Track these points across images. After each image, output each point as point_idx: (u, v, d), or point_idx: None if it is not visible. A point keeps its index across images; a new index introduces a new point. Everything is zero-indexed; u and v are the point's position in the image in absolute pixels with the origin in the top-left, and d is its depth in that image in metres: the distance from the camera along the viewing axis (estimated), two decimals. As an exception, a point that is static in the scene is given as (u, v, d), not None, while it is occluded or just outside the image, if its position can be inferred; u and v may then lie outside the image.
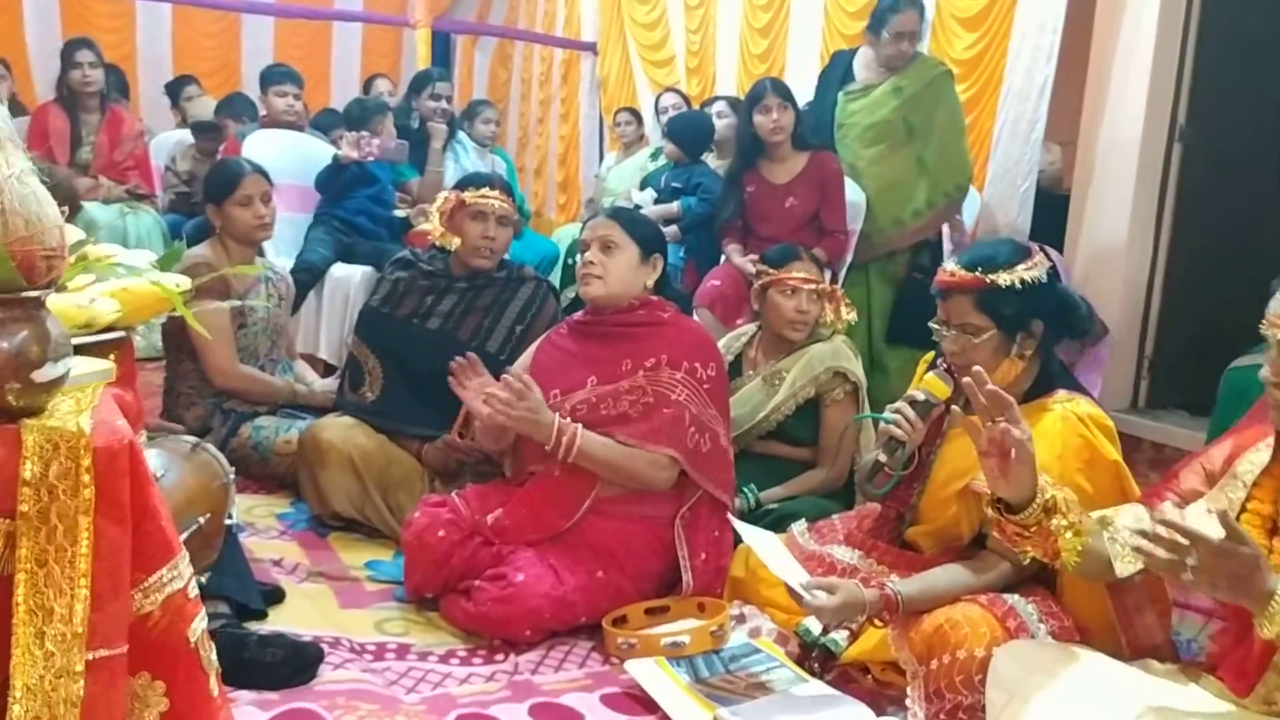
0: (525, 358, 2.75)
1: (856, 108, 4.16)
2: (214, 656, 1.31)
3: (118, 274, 1.24)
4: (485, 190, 3.08)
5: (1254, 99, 4.21)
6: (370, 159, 4.44)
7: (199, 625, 1.28)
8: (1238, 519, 1.68)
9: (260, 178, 3.36)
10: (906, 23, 4.00)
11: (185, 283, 1.31)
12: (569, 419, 2.50)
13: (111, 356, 1.22)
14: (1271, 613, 1.47)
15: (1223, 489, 1.73)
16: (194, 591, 1.28)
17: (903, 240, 4.20)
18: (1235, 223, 4.28)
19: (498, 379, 2.84)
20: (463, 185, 3.15)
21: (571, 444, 2.42)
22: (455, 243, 3.08)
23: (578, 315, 2.72)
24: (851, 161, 4.17)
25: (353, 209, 4.52)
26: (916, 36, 4.07)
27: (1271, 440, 1.71)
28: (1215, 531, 1.46)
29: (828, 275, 3.98)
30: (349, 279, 4.40)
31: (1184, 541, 1.46)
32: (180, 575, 1.25)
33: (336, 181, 4.47)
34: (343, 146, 4.43)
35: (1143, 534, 1.52)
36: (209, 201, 3.34)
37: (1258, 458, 1.72)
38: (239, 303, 3.15)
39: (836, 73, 4.28)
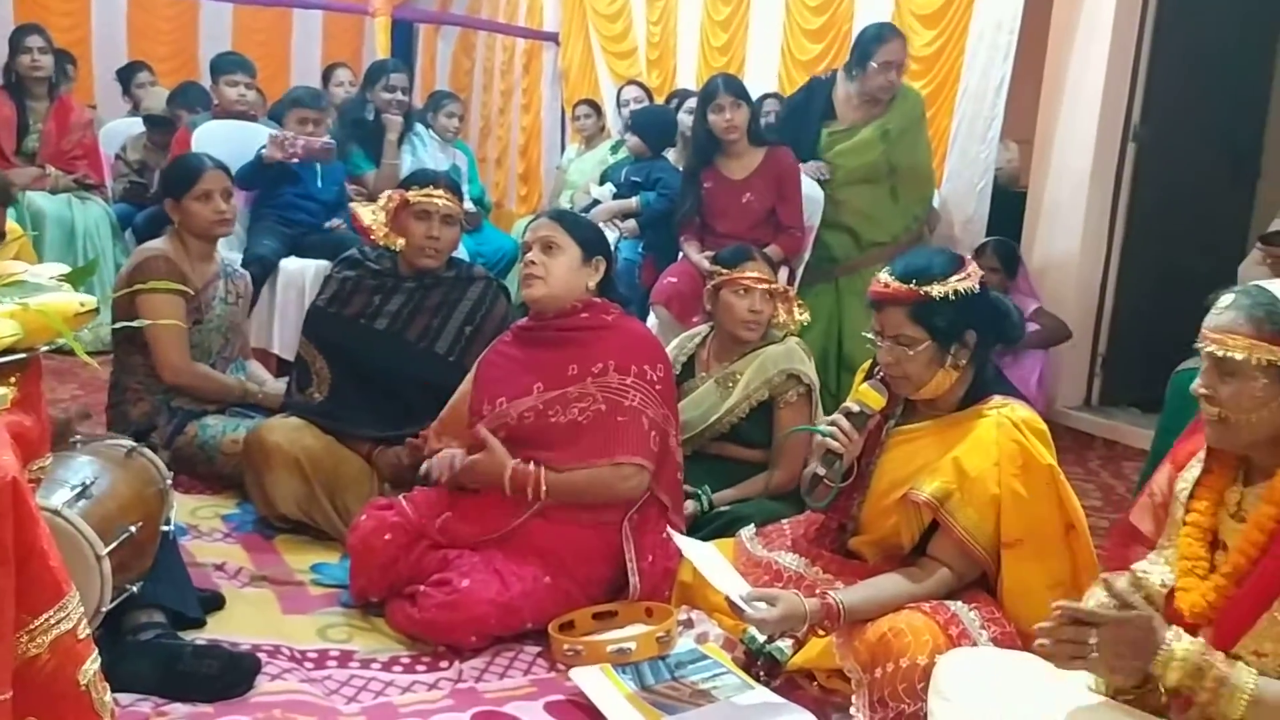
0: (473, 371, 2.70)
1: (843, 149, 4.09)
2: (108, 699, 1.26)
3: (21, 291, 1.19)
4: (430, 189, 3.02)
5: (1207, 99, 4.25)
6: (295, 160, 4.34)
7: (91, 667, 1.23)
8: (1180, 534, 1.69)
9: (221, 173, 3.31)
10: (893, 51, 3.93)
11: (90, 301, 1.26)
12: (518, 426, 2.49)
13: (12, 379, 1.17)
14: (1163, 659, 1.48)
15: (1171, 516, 1.74)
16: (84, 632, 1.23)
17: (872, 262, 4.18)
18: (1187, 221, 4.32)
19: (447, 380, 2.83)
20: (407, 184, 3.10)
21: (536, 488, 2.42)
22: (400, 243, 3.03)
23: (522, 321, 2.69)
24: (833, 195, 4.11)
25: (283, 205, 4.43)
26: (903, 67, 4.01)
27: (1203, 454, 1.71)
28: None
29: (784, 274, 3.98)
30: (303, 273, 4.34)
31: (1082, 627, 1.49)
32: (69, 616, 1.20)
33: (258, 178, 4.38)
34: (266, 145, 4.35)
35: (1046, 631, 1.53)
36: (167, 196, 3.28)
37: (1189, 474, 1.73)
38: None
39: (817, 104, 4.17)
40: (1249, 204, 4.98)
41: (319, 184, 4.52)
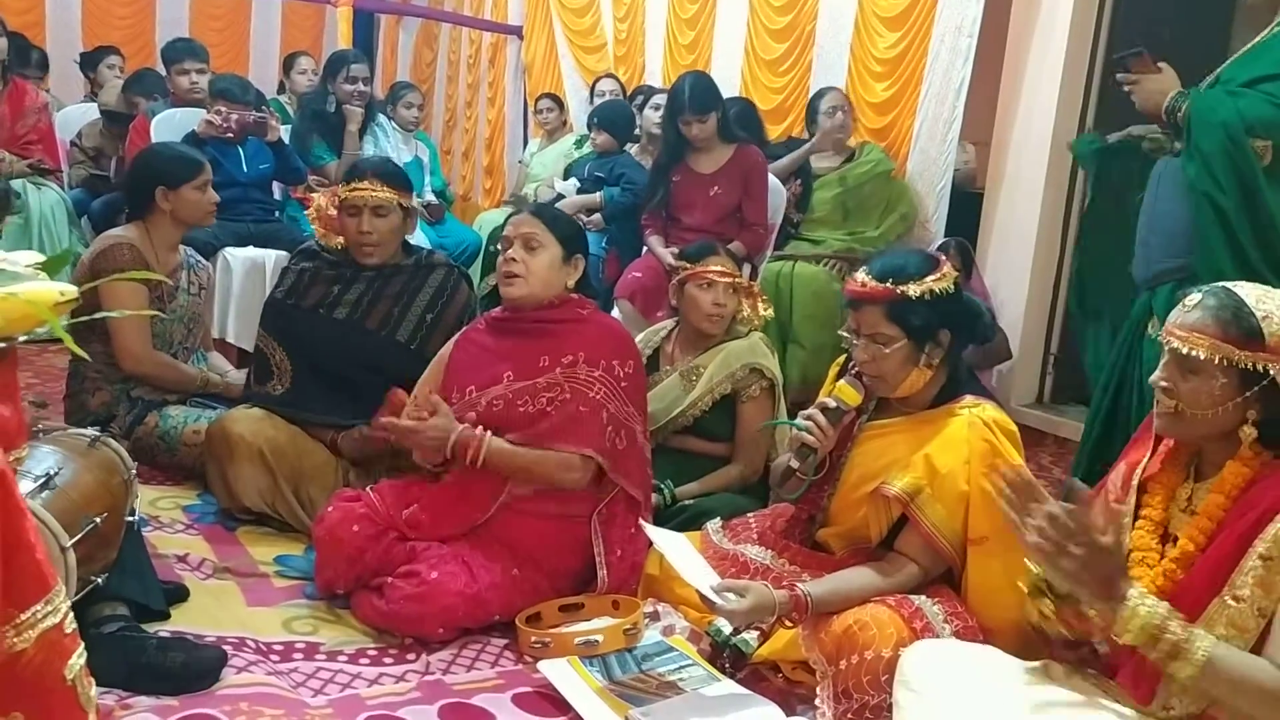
0: (443, 353, 2.71)
1: (815, 187, 4.60)
2: (93, 693, 1.24)
3: (1, 280, 1.18)
4: (356, 182, 2.98)
5: (1160, 105, 4.33)
6: (229, 135, 4.27)
7: (77, 661, 1.22)
8: (1133, 527, 1.75)
9: (210, 165, 3.36)
10: (833, 99, 4.57)
11: (71, 290, 1.25)
12: (485, 413, 2.49)
13: (-12, 370, 1.16)
14: (1125, 617, 1.54)
15: (1127, 501, 1.78)
16: (71, 626, 1.21)
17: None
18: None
19: (409, 369, 2.82)
20: (345, 180, 3.05)
21: (478, 453, 2.41)
22: (339, 241, 3.02)
23: (496, 311, 2.69)
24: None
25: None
26: (847, 111, 4.58)
27: (1155, 446, 1.77)
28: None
29: (747, 270, 4.02)
30: (263, 264, 4.30)
31: (1069, 534, 1.56)
32: (57, 610, 1.18)
33: None
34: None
35: (1049, 515, 1.58)
36: (160, 184, 3.21)
37: (1142, 461, 1.78)
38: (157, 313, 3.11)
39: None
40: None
41: (244, 168, 4.44)
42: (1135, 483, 1.78)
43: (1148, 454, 1.79)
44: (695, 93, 4.11)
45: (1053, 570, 1.61)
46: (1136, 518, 1.75)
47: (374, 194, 2.95)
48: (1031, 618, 1.75)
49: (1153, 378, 1.69)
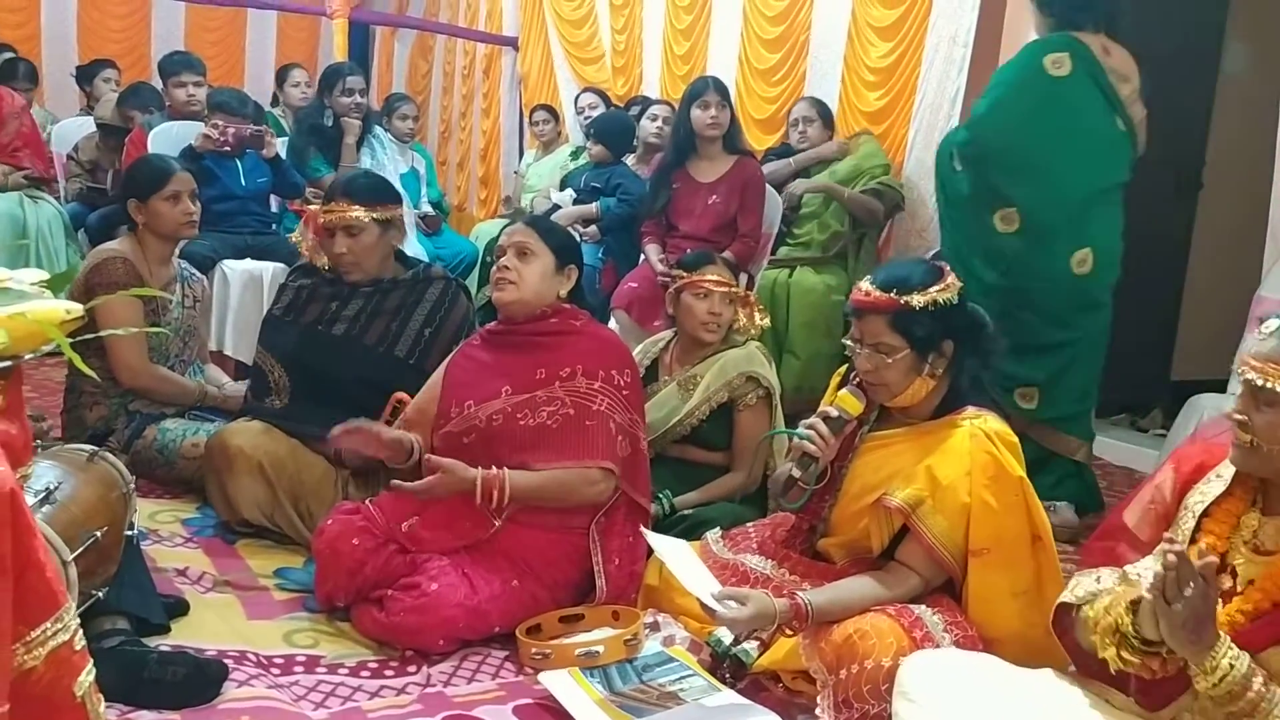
0: (438, 372, 2.71)
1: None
2: (102, 709, 1.25)
3: (6, 299, 1.19)
4: (327, 205, 2.99)
5: (1150, 114, 4.34)
6: (226, 148, 4.27)
7: (86, 678, 1.22)
8: (1189, 554, 1.67)
9: (188, 175, 3.32)
10: (799, 110, 4.73)
11: (76, 309, 1.25)
12: (486, 428, 2.49)
13: (-1, 388, 1.17)
14: (1209, 668, 1.45)
15: (1178, 524, 1.72)
16: (80, 643, 1.22)
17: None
18: (1130, 233, 4.42)
19: (408, 384, 2.82)
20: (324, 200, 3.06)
21: (502, 493, 2.41)
22: (323, 260, 3.03)
23: (491, 325, 2.70)
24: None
25: (210, 213, 4.20)
26: (811, 120, 4.66)
27: (1222, 471, 1.70)
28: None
29: (743, 280, 4.04)
30: (260, 276, 4.31)
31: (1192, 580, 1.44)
32: (66, 627, 1.19)
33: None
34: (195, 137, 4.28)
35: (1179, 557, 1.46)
36: (132, 197, 3.23)
37: (1208, 489, 1.70)
38: (156, 329, 3.11)
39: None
40: (1190, 217, 5.13)
41: (242, 181, 4.44)
42: (1191, 505, 1.70)
43: (1215, 479, 1.69)
44: (718, 81, 4.36)
45: (1164, 615, 1.47)
46: (1193, 541, 1.67)
47: (343, 215, 2.95)
48: (1113, 666, 1.63)
49: (1227, 411, 1.62)
